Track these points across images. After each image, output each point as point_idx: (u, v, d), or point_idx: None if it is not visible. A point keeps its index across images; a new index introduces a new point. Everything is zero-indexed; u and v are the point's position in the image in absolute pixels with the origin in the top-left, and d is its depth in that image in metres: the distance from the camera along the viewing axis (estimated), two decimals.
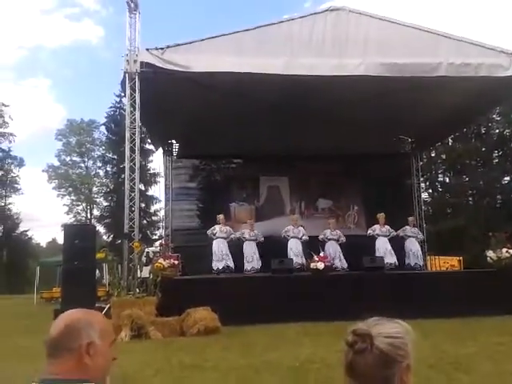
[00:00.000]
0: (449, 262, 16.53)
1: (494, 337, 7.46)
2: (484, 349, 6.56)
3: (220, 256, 12.50)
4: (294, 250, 12.88)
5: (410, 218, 14.06)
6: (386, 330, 1.23)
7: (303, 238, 13.17)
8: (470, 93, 12.16)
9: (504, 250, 11.12)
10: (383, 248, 13.13)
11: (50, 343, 1.34)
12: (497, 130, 28.41)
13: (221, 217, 13.03)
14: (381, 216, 13.37)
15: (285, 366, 5.80)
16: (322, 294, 10.05)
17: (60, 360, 1.32)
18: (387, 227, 13.36)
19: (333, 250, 13.20)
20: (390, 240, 13.31)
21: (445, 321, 8.99)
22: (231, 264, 12.52)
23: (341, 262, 13.15)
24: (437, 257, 16.90)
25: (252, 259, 12.91)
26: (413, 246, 13.55)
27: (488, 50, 11.23)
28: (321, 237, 13.44)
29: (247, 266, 12.82)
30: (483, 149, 27.57)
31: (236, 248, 13.22)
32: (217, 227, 12.85)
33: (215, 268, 12.43)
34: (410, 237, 13.61)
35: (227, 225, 13.59)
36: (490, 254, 11.30)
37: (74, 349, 1.33)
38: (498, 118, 27.74)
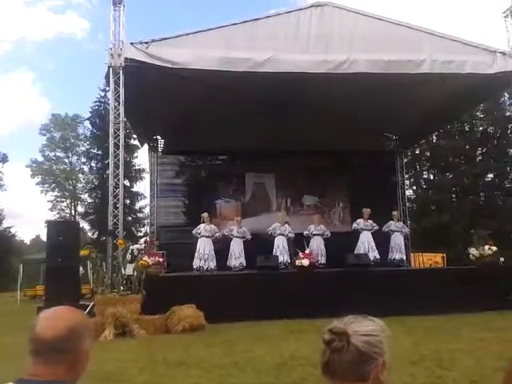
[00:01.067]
0: (432, 259, 16.72)
1: (477, 333, 7.55)
2: (466, 345, 6.63)
3: (203, 255, 12.46)
4: (281, 247, 12.90)
5: (394, 213, 14.15)
6: (362, 328, 1.25)
7: (289, 235, 13.20)
8: (454, 90, 12.28)
9: (486, 247, 11.26)
10: (366, 242, 13.22)
11: (42, 344, 1.24)
12: (480, 128, 28.74)
13: (205, 215, 12.98)
14: (366, 211, 13.46)
15: (269, 364, 5.80)
16: (307, 291, 10.07)
17: (51, 362, 1.24)
18: (370, 221, 13.44)
19: (317, 245, 13.27)
20: (373, 234, 13.40)
21: (428, 317, 9.07)
22: (213, 265, 12.47)
23: (323, 258, 13.22)
24: (421, 253, 17.05)
25: (239, 256, 12.89)
26: (398, 240, 13.66)
27: (472, 48, 11.34)
28: (305, 232, 13.48)
29: (234, 263, 12.79)
30: (467, 146, 27.87)
31: (222, 245, 13.19)
32: (201, 226, 12.80)
33: (195, 266, 12.35)
34: (394, 231, 13.71)
35: (213, 222, 13.56)
36: (473, 251, 11.42)
37: (71, 352, 1.27)
38: (482, 116, 28.06)
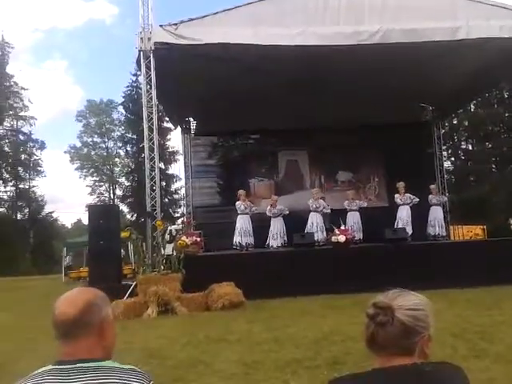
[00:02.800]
0: (472, 231, 16.35)
1: None
2: (509, 317, 6.52)
3: (242, 232, 12.61)
4: (315, 224, 12.88)
5: (432, 186, 13.86)
6: (407, 302, 1.26)
7: (323, 210, 13.14)
8: (491, 56, 11.77)
9: None
10: (405, 217, 13.04)
11: (67, 323, 1.29)
12: None
13: (241, 192, 13.05)
14: (400, 185, 13.25)
15: (309, 339, 5.87)
16: (344, 267, 10.07)
17: (80, 338, 1.30)
18: (408, 195, 13.21)
19: (354, 221, 13.23)
20: (411, 208, 13.18)
21: (469, 290, 8.95)
22: (251, 240, 12.61)
23: (360, 234, 13.19)
24: (460, 226, 16.69)
25: (277, 236, 12.96)
26: (436, 215, 13.42)
27: (508, 11, 10.82)
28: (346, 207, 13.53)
29: (273, 243, 12.87)
30: (506, 114, 26.84)
31: (260, 223, 13.29)
32: (238, 203, 12.89)
33: (235, 242, 12.51)
34: (434, 205, 13.46)
35: (248, 200, 13.63)
36: None
37: (95, 325, 1.33)
38: None
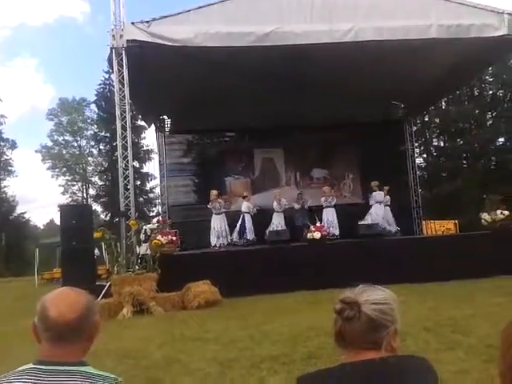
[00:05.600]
0: (445, 226, 16.69)
1: (491, 298, 7.58)
2: (481, 310, 6.66)
3: (218, 232, 12.87)
4: (276, 222, 13.35)
5: (374, 183, 14.10)
6: (373, 297, 1.28)
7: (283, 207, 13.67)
8: (462, 54, 12.01)
9: (498, 211, 11.20)
10: (379, 214, 13.33)
11: (65, 327, 1.26)
12: (490, 92, 28.24)
13: (213, 193, 13.26)
14: (373, 183, 13.60)
15: (285, 335, 5.90)
16: (319, 263, 10.15)
17: (72, 342, 1.29)
18: (380, 193, 13.63)
19: (329, 217, 13.36)
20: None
21: (441, 284, 9.13)
22: (226, 242, 12.97)
23: (337, 230, 13.36)
24: (433, 221, 17.02)
25: (250, 230, 13.30)
26: (381, 212, 13.71)
27: (478, 10, 11.04)
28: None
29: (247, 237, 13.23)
30: (477, 111, 27.44)
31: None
32: (210, 204, 13.16)
33: (213, 244, 12.82)
34: (378, 202, 13.78)
35: (224, 199, 13.78)
36: (485, 216, 11.38)
37: (88, 329, 1.32)
38: (491, 79, 27.53)
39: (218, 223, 12.91)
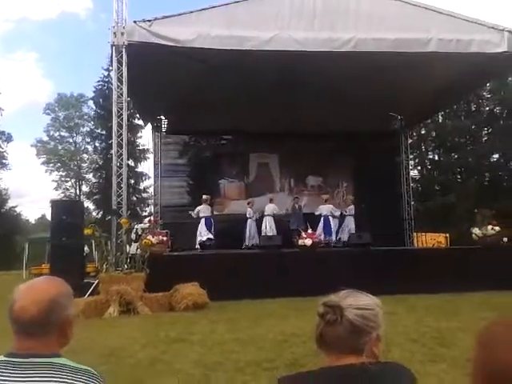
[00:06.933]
0: (435, 239, 16.70)
1: (478, 312, 7.59)
2: (467, 324, 6.67)
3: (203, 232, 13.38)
4: (247, 230, 13.92)
5: (324, 196, 14.61)
6: (356, 301, 1.27)
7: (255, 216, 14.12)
8: (461, 69, 12.10)
9: (489, 227, 11.25)
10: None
11: (27, 321, 1.24)
12: (487, 108, 28.40)
13: (204, 198, 13.79)
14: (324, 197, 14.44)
15: (271, 341, 5.88)
16: (309, 270, 10.14)
17: (39, 336, 1.26)
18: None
19: (333, 224, 13.62)
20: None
21: (430, 296, 9.13)
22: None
23: (342, 235, 13.62)
24: (424, 234, 17.07)
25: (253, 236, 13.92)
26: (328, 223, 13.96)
27: (479, 26, 11.14)
28: (317, 212, 13.93)
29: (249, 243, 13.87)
30: (473, 126, 27.58)
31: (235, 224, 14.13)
32: (200, 207, 13.71)
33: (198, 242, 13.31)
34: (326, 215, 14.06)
35: (217, 202, 14.16)
36: (476, 230, 11.43)
37: (56, 324, 1.29)
38: (489, 96, 27.70)
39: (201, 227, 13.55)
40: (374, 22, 10.81)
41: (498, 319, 0.65)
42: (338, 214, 13.94)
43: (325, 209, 13.92)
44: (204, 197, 13.94)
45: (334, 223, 13.74)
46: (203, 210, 13.68)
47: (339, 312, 1.24)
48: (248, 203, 14.30)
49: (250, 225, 13.95)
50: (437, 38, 10.82)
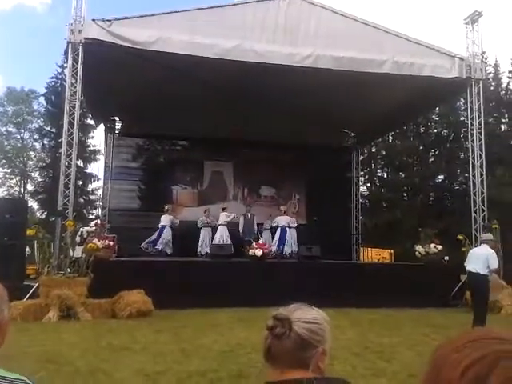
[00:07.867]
0: (380, 254, 17.14)
1: (418, 328, 7.84)
2: (408, 339, 6.87)
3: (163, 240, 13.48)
4: (201, 238, 13.88)
5: (282, 207, 14.81)
6: (305, 315, 1.27)
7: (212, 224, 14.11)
8: (413, 91, 12.57)
9: (432, 245, 11.67)
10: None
11: None
12: (435, 130, 29.62)
13: (167, 208, 14.01)
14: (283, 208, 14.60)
15: (215, 351, 5.82)
16: (258, 281, 10.15)
17: None
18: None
19: (289, 236, 13.66)
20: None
21: (373, 310, 9.33)
22: (170, 251, 13.47)
23: (294, 247, 13.61)
24: (370, 249, 17.50)
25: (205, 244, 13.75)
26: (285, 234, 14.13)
27: (433, 51, 11.64)
28: (274, 224, 14.04)
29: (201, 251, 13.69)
30: (421, 147, 28.68)
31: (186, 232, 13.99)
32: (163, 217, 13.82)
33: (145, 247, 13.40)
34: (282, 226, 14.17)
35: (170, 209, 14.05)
36: (419, 248, 11.82)
37: None
38: (437, 119, 28.91)
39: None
40: (333, 40, 11.08)
41: (447, 340, 0.66)
42: (294, 225, 13.96)
43: (283, 220, 13.95)
44: (166, 207, 14.10)
45: (290, 234, 13.74)
46: (163, 219, 13.81)
47: (288, 325, 1.23)
48: (204, 211, 14.13)
49: (204, 234, 13.77)
50: (392, 59, 11.21)
